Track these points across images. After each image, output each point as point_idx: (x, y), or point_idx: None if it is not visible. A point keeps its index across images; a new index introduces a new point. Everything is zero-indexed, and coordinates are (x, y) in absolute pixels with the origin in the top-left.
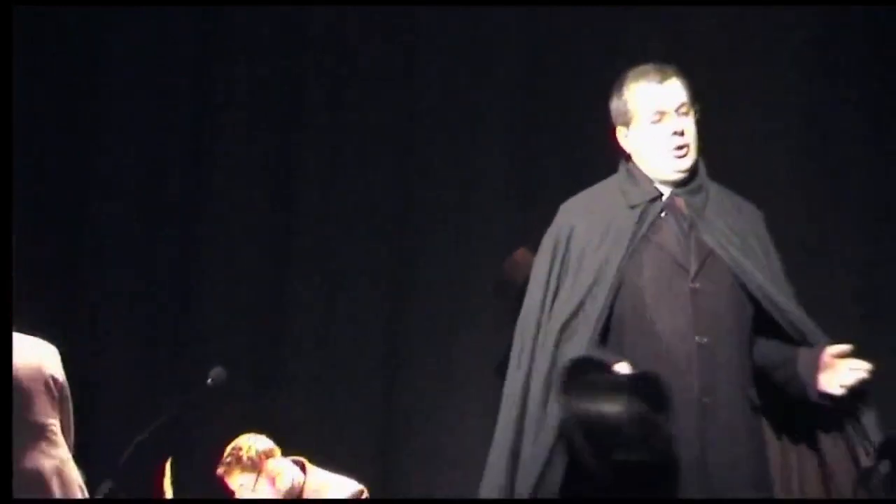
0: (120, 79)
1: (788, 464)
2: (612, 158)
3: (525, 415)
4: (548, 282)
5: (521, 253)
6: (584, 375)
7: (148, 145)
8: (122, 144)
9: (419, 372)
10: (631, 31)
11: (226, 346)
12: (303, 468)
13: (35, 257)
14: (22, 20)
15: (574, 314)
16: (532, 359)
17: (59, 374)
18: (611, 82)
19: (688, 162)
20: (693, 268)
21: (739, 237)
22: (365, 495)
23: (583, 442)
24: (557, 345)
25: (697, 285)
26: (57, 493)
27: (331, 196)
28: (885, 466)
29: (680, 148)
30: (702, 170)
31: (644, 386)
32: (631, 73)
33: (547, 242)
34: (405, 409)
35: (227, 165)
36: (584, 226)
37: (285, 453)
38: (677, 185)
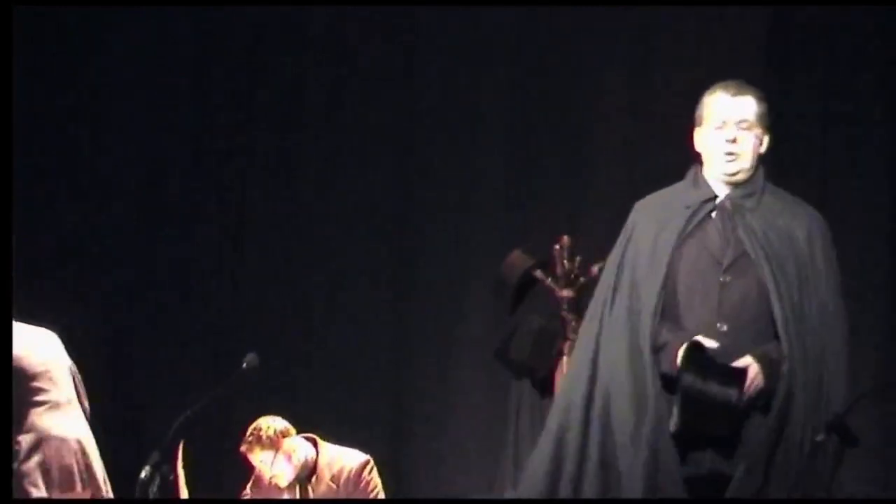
0: (120, 79)
1: None
2: (612, 158)
3: (596, 378)
4: (615, 272)
5: (515, 255)
6: (704, 357)
7: (148, 145)
8: (122, 144)
9: (419, 371)
10: (630, 32)
11: (226, 345)
12: (314, 444)
13: (35, 257)
14: (22, 20)
15: (633, 302)
16: (598, 336)
17: (67, 357)
18: (610, 82)
19: (734, 167)
20: (726, 262)
21: (783, 241)
22: (371, 464)
23: (687, 411)
24: (626, 324)
25: (728, 279)
26: (91, 453)
27: (331, 196)
28: (833, 442)
29: (730, 154)
30: (759, 177)
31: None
32: (716, 84)
33: (619, 238)
34: (405, 408)
35: (226, 165)
36: (645, 223)
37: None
38: (732, 188)
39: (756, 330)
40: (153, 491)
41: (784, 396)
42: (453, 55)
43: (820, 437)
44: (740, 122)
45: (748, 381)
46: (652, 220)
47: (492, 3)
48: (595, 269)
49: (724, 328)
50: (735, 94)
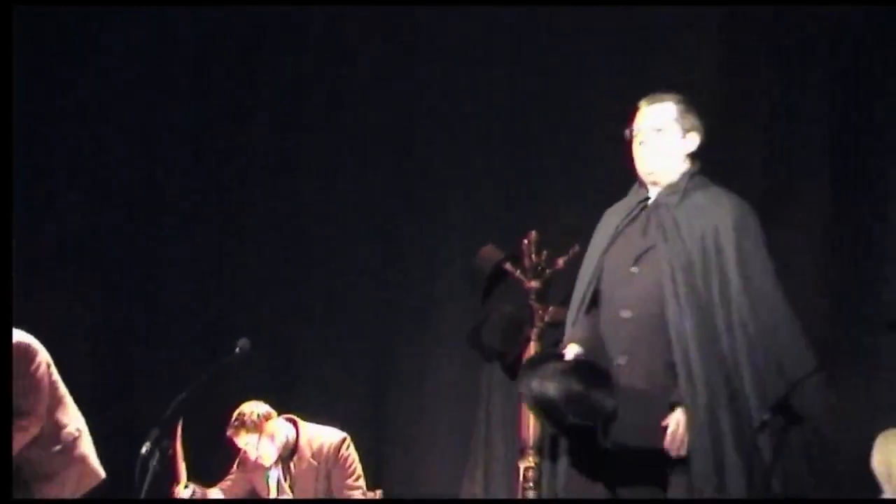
0: (120, 79)
1: None
2: (612, 158)
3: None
4: (579, 274)
5: (488, 248)
6: (541, 362)
7: (148, 145)
8: (122, 144)
9: (418, 371)
10: (630, 32)
11: (226, 345)
12: (295, 424)
13: (35, 257)
14: (22, 20)
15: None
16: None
17: None
18: (610, 82)
19: (647, 168)
20: (636, 255)
21: (693, 235)
22: (348, 441)
23: (536, 411)
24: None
25: (637, 270)
26: None
27: (331, 196)
28: (777, 421)
29: (642, 157)
30: (686, 175)
31: (584, 367)
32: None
33: None
34: (402, 413)
35: (226, 165)
36: (600, 228)
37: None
38: (659, 188)
39: (659, 317)
40: (153, 465)
41: (686, 381)
42: (453, 55)
43: (766, 417)
44: (651, 127)
45: (672, 435)
46: (604, 224)
47: (492, 3)
48: (560, 261)
49: (628, 315)
50: (649, 104)
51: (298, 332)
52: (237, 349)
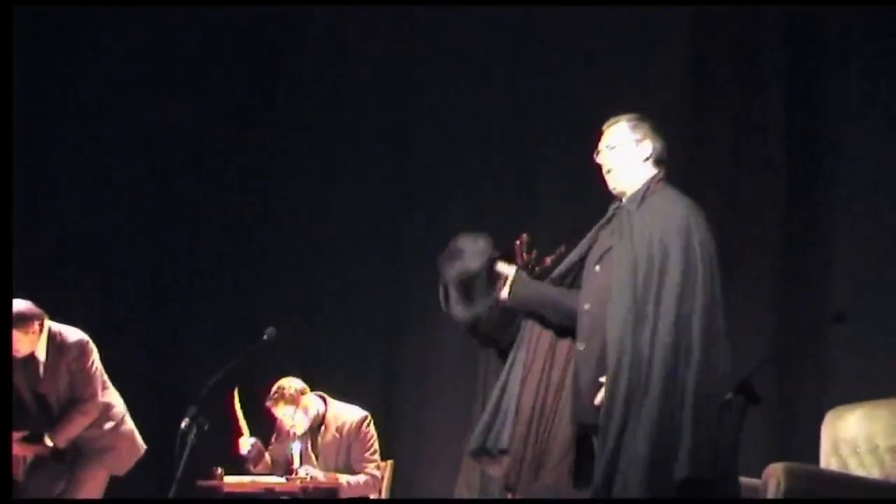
0: (120, 79)
1: None
2: None
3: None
4: None
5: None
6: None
7: (149, 145)
8: (123, 144)
9: (418, 371)
10: (631, 32)
11: (226, 344)
12: (324, 400)
13: (35, 257)
14: (22, 20)
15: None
16: None
17: None
18: (610, 82)
19: (610, 183)
20: (598, 255)
21: (642, 239)
22: (369, 419)
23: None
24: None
25: (598, 268)
26: None
27: (331, 196)
28: (739, 400)
29: (604, 173)
30: (642, 186)
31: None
32: None
33: None
34: (404, 413)
35: (227, 165)
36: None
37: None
38: (624, 196)
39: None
40: (191, 439)
41: (609, 365)
42: (453, 55)
43: (728, 396)
44: (607, 146)
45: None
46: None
47: (492, 3)
48: (548, 259)
49: (588, 307)
50: (607, 127)
51: (298, 332)
52: (265, 336)
